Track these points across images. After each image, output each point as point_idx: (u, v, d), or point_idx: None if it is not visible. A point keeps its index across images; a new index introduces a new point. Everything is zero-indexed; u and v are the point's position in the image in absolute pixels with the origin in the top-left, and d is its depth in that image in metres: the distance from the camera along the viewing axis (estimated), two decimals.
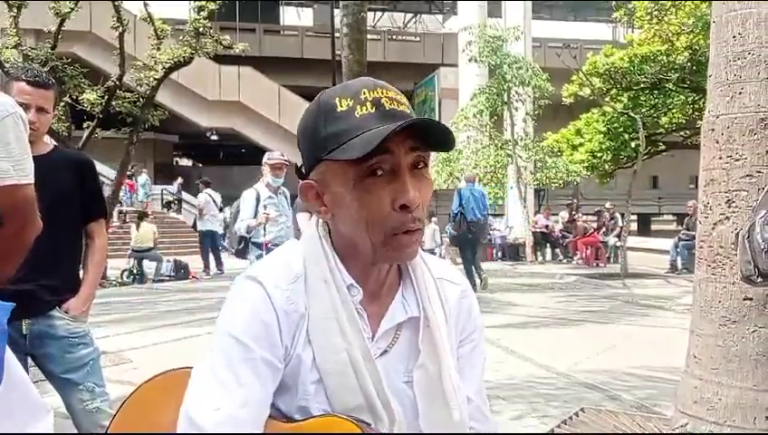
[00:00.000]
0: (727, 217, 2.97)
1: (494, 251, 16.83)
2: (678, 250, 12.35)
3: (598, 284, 10.83)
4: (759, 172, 2.88)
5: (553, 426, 3.50)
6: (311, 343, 0.96)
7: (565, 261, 15.74)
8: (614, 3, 15.47)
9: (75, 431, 2.34)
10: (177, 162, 34.49)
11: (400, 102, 0.95)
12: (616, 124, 14.65)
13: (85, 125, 10.97)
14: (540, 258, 16.23)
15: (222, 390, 0.91)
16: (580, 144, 15.63)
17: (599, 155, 15.12)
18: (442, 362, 1.01)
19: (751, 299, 2.88)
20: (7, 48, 10.51)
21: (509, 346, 5.54)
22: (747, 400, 2.87)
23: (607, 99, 14.57)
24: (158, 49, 11.51)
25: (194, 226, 14.29)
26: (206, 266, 12.90)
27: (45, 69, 7.68)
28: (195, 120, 24.25)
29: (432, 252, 13.53)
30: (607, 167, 15.51)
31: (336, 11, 11.64)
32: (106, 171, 14.41)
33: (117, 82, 10.91)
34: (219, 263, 12.92)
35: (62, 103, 10.22)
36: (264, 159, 5.47)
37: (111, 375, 3.80)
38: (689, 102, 14.47)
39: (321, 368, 0.95)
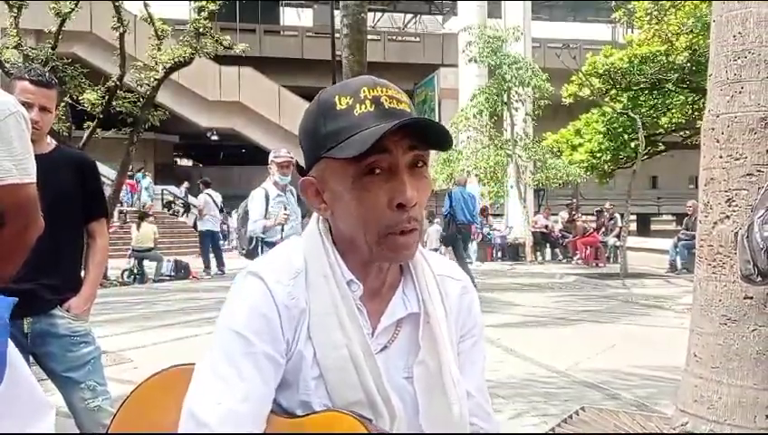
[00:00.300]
0: (728, 216, 2.97)
1: (494, 251, 16.84)
2: (678, 250, 12.36)
3: (597, 283, 10.82)
4: (759, 171, 2.88)
5: (553, 425, 3.50)
6: (311, 339, 0.96)
7: (565, 261, 15.74)
8: (614, 3, 15.48)
9: (77, 431, 2.35)
10: (177, 162, 34.50)
11: (400, 101, 0.95)
12: (615, 124, 14.63)
13: (86, 125, 10.98)
14: (539, 258, 16.23)
15: (223, 384, 0.91)
16: (580, 144, 15.61)
17: (598, 155, 15.11)
18: (442, 358, 1.01)
19: (751, 298, 2.88)
20: (8, 48, 10.51)
21: (509, 346, 5.54)
22: (747, 398, 2.87)
23: (606, 99, 14.54)
24: (159, 49, 11.50)
25: (194, 226, 14.29)
26: (207, 266, 12.89)
27: (46, 69, 7.67)
28: (195, 120, 24.25)
29: (437, 250, 13.54)
30: (606, 167, 15.50)
31: (336, 11, 11.63)
32: (106, 171, 14.37)
33: (117, 83, 10.90)
34: (220, 263, 12.90)
35: (63, 104, 10.19)
36: (271, 157, 5.32)
37: (112, 374, 3.78)
38: (689, 103, 14.46)
39: (321, 364, 0.95)
